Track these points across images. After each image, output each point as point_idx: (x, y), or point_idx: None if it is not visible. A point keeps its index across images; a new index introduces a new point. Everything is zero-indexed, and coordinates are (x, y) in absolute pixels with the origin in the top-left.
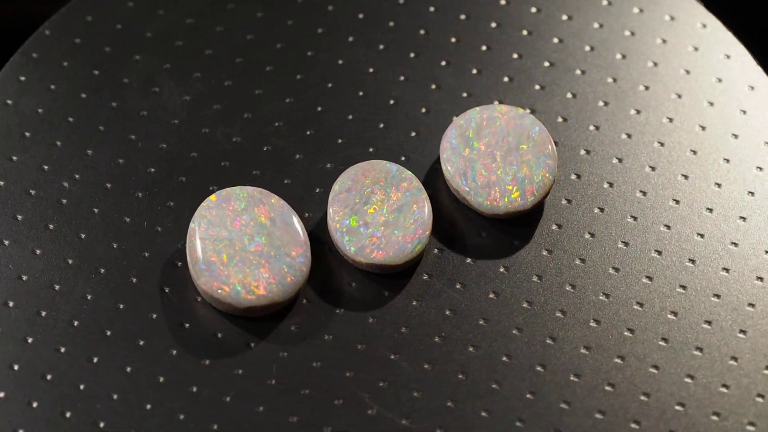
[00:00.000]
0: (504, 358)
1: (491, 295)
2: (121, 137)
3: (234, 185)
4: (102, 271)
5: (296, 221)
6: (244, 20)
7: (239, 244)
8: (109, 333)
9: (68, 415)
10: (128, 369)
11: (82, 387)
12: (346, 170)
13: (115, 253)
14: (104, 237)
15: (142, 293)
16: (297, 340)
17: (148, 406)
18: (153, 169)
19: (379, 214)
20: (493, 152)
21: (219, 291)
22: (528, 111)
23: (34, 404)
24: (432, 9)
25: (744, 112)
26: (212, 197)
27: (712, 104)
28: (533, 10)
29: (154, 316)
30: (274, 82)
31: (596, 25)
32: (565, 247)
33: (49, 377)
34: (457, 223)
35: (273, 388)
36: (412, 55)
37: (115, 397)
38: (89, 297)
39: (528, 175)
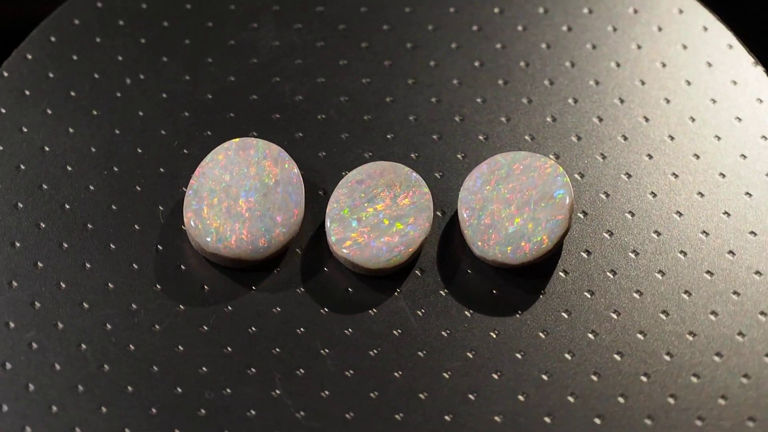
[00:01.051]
0: (420, 395)
1: (444, 333)
2: (199, 57)
3: (269, 139)
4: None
5: (299, 192)
6: None
7: (234, 192)
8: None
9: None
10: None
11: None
12: (368, 163)
13: (153, 175)
14: (144, 158)
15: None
16: (246, 302)
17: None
18: (210, 96)
19: (375, 215)
20: (512, 199)
21: (193, 226)
22: (564, 174)
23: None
24: (543, 46)
25: None
26: (236, 140)
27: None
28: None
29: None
30: (362, 59)
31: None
32: (539, 317)
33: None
34: (450, 254)
35: (202, 334)
36: (500, 81)
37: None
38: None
39: (529, 232)
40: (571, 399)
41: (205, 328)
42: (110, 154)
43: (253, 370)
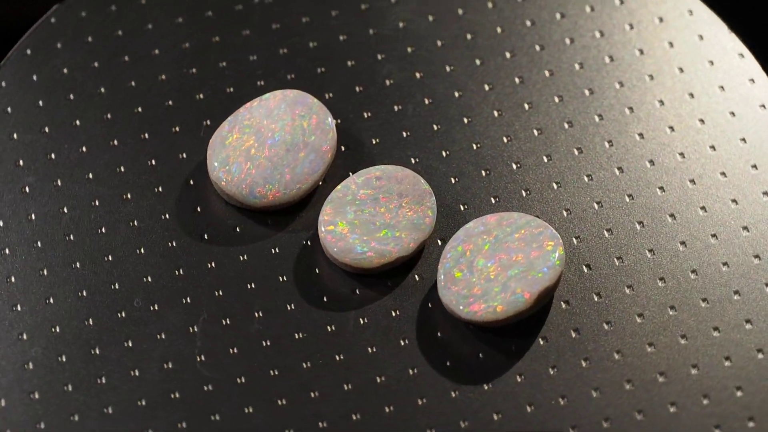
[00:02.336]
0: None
1: (371, 349)
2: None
3: (335, 107)
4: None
5: (320, 164)
6: None
7: (264, 136)
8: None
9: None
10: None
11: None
12: (395, 166)
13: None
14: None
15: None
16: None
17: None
18: (285, 51)
19: (373, 215)
20: (497, 257)
21: (212, 148)
22: (560, 257)
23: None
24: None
25: None
26: (295, 92)
27: None
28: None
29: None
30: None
31: None
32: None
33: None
34: (420, 283)
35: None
36: (566, 125)
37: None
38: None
39: (490, 295)
40: None
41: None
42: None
43: (187, 300)
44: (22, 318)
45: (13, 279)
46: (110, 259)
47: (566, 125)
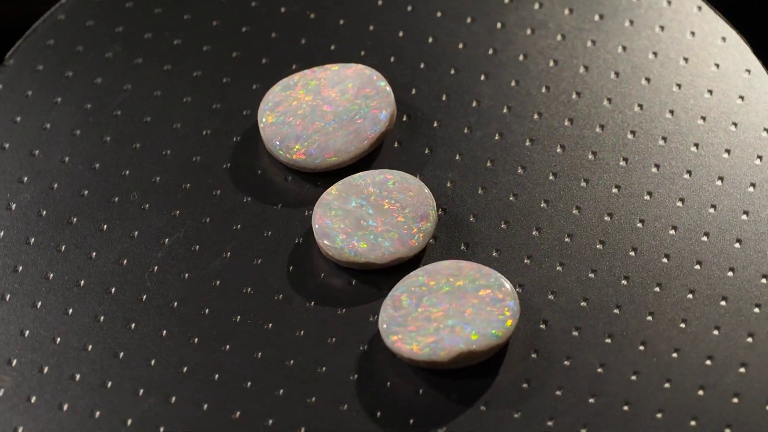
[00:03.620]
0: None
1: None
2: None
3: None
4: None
5: (354, 144)
6: None
7: (319, 106)
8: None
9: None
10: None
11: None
12: (415, 178)
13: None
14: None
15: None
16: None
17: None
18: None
19: (368, 213)
20: (448, 305)
21: (266, 102)
22: (511, 320)
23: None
24: None
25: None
26: (368, 72)
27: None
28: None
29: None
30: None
31: None
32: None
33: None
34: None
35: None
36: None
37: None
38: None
39: (423, 335)
40: None
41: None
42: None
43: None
44: None
45: None
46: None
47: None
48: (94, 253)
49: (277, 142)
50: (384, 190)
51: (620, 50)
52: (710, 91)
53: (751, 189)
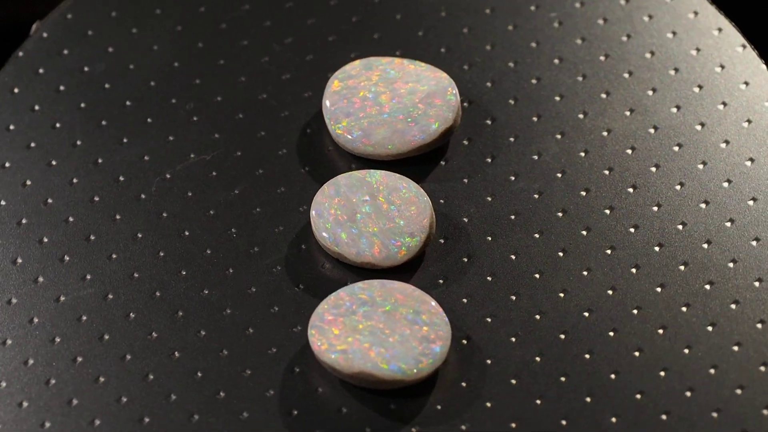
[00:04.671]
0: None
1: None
2: None
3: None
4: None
5: (420, 143)
6: None
7: (393, 94)
8: None
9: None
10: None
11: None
12: (423, 191)
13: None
14: None
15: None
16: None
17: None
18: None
19: (365, 210)
20: (373, 321)
21: (334, 78)
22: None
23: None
24: None
25: None
26: (445, 80)
27: None
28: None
29: None
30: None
31: None
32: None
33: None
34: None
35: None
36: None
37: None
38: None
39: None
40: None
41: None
42: None
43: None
44: None
45: None
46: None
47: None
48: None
49: (330, 111)
50: (392, 195)
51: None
52: None
53: None
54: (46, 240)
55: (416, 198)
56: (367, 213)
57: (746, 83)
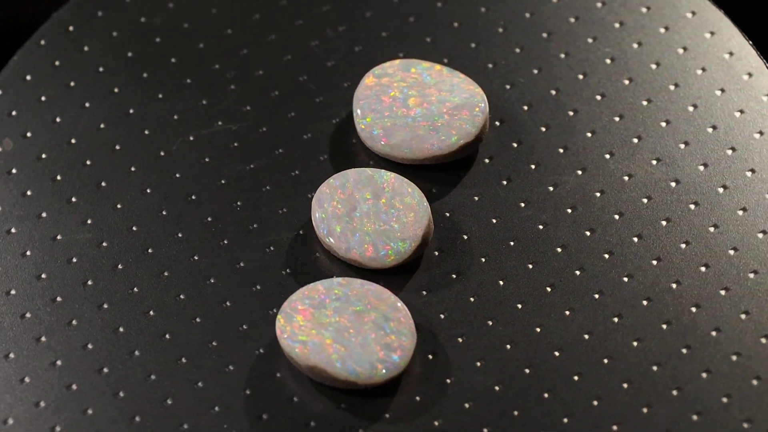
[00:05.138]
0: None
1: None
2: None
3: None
4: None
5: (443, 150)
6: None
7: (423, 98)
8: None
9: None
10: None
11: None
12: (426, 201)
13: None
14: None
15: None
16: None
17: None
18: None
19: (364, 207)
20: (344, 317)
21: (370, 74)
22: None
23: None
24: None
25: None
26: (478, 94)
27: None
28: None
29: None
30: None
31: None
32: None
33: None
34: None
35: None
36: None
37: None
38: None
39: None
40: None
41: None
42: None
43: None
44: None
45: None
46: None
47: None
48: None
49: (359, 104)
50: (395, 198)
51: None
52: None
53: None
54: (59, 178)
55: (417, 206)
56: (365, 212)
57: None
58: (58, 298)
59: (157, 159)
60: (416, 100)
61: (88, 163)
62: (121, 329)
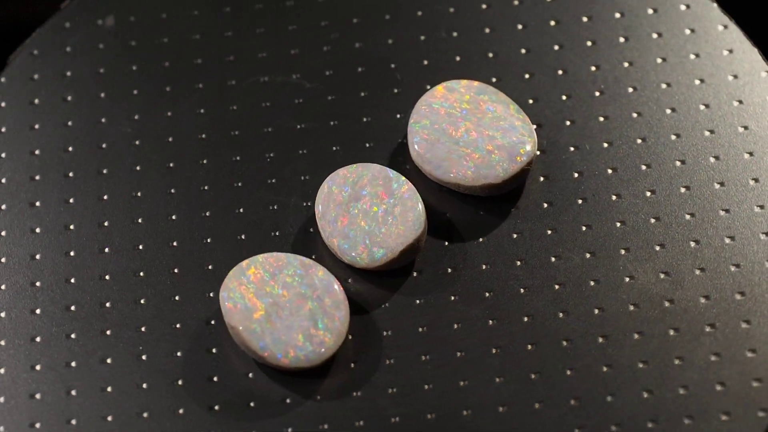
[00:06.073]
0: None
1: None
2: None
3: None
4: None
5: (470, 179)
6: None
7: (475, 122)
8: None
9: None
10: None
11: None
12: (423, 216)
13: None
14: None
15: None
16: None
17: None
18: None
19: (360, 205)
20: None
21: (431, 89)
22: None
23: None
24: None
25: None
26: (521, 116)
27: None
28: None
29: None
30: None
31: None
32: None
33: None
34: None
35: None
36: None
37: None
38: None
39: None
40: None
41: None
42: None
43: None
44: None
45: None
46: None
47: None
48: None
49: (419, 108)
50: (397, 207)
51: None
52: None
53: None
54: (101, 72)
55: (412, 222)
56: (364, 208)
57: None
58: (37, 203)
59: (223, 87)
60: (469, 125)
61: (166, 65)
62: (72, 253)
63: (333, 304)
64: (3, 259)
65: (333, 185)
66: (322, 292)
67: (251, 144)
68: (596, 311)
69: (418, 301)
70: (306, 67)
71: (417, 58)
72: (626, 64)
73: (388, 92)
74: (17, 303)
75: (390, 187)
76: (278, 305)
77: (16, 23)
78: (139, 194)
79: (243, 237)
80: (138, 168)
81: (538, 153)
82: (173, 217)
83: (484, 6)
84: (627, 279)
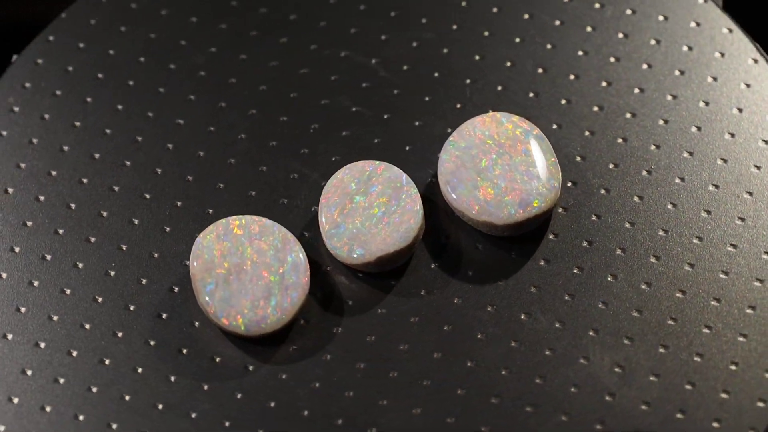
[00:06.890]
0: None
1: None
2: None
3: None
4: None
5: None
6: None
7: (507, 157)
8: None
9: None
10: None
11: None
12: (421, 219)
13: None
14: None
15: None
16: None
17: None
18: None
19: (356, 200)
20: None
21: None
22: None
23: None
24: None
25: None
26: (553, 159)
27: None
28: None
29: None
30: None
31: None
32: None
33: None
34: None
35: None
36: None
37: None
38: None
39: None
40: None
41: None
42: None
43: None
44: None
45: None
46: None
47: None
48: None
49: (462, 127)
50: (396, 213)
51: None
52: None
53: None
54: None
55: (401, 234)
56: (364, 204)
57: None
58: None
59: (306, 50)
60: (499, 161)
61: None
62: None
63: (293, 285)
64: None
65: (347, 174)
66: (288, 270)
67: (302, 110)
68: (537, 380)
69: (380, 311)
70: (387, 56)
71: (495, 81)
72: (686, 154)
73: (450, 104)
74: None
75: (399, 193)
76: (241, 269)
77: (16, 23)
78: (181, 122)
79: (253, 194)
80: (192, 97)
81: (560, 210)
82: (200, 153)
83: (580, 53)
84: (581, 360)
